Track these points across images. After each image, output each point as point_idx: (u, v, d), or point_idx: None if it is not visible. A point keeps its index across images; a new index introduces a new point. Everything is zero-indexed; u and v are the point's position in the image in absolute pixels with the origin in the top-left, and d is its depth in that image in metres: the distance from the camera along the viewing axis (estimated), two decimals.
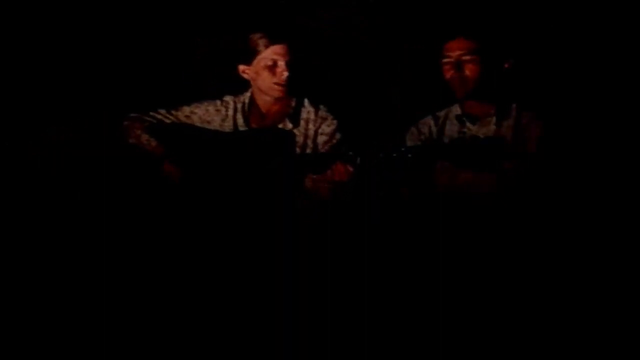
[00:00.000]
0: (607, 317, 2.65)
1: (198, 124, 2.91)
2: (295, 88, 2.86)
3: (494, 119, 2.72)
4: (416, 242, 2.72)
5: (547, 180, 2.64)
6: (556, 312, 2.64)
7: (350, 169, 2.61)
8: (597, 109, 2.99)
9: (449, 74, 2.71)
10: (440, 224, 2.69)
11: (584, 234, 2.67)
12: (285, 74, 2.81)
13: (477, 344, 2.63)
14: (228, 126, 2.91)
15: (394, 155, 2.58)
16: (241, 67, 2.89)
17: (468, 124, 2.75)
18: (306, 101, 2.91)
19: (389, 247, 2.75)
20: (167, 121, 2.91)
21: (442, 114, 2.83)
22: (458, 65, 2.69)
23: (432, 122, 2.83)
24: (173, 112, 2.93)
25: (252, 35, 2.84)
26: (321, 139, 2.87)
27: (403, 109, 3.22)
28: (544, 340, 2.62)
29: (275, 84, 2.83)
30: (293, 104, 2.89)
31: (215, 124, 2.91)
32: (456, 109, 2.79)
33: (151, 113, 2.92)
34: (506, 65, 2.72)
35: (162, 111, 2.92)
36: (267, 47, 2.82)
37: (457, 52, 2.69)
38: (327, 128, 2.87)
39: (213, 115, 2.92)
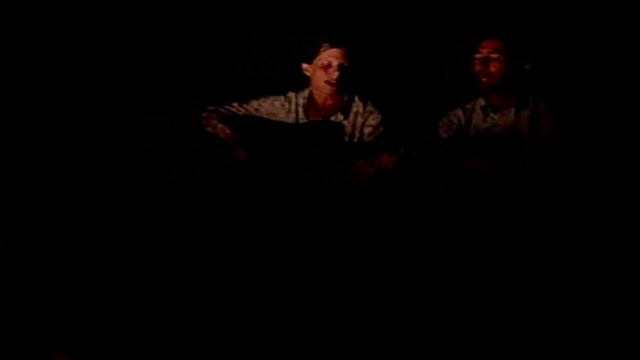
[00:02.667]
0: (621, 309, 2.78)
1: (265, 116, 3.45)
2: (345, 87, 3.35)
3: (513, 110, 3.18)
4: (427, 236, 2.98)
5: (558, 165, 3.01)
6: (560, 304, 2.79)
7: (395, 158, 3.08)
8: (605, 103, 3.31)
9: (477, 67, 3.19)
10: (444, 216, 2.97)
11: (593, 221, 2.91)
12: (336, 74, 3.31)
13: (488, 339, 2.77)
14: (291, 118, 3.42)
15: (430, 147, 3.05)
16: (304, 65, 3.41)
17: (491, 114, 3.22)
18: (356, 97, 3.40)
19: (399, 241, 2.98)
20: (239, 113, 3.45)
21: (469, 106, 3.30)
22: (486, 61, 3.16)
23: (460, 113, 3.30)
24: (244, 105, 3.47)
25: (318, 39, 3.35)
26: (367, 129, 3.35)
27: (407, 107, 3.57)
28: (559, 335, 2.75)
29: (326, 82, 3.33)
30: (345, 99, 3.39)
31: (280, 116, 3.43)
32: (481, 101, 3.26)
33: (226, 106, 3.46)
34: (527, 66, 3.18)
35: (235, 104, 3.46)
36: (326, 50, 3.33)
37: (487, 50, 3.17)
38: (372, 121, 3.36)
39: (278, 108, 3.44)
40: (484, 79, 3.16)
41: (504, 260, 2.88)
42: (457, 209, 2.99)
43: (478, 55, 3.17)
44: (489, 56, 3.15)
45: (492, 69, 3.15)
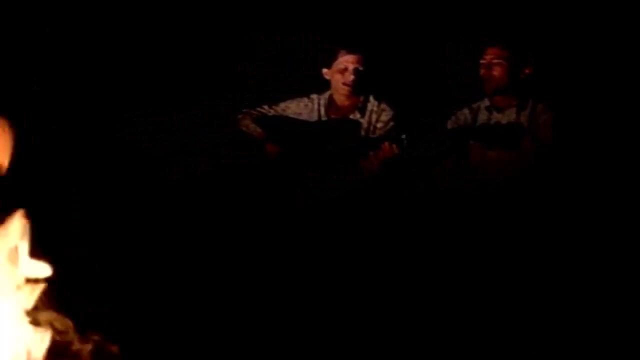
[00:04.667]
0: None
1: (292, 116, 3.83)
2: (361, 89, 3.73)
3: (514, 110, 3.55)
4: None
5: (556, 161, 3.37)
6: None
7: (397, 149, 3.48)
8: (599, 105, 3.61)
9: (482, 71, 3.57)
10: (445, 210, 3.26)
11: (591, 219, 3.15)
12: (352, 77, 3.70)
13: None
14: (314, 117, 3.81)
15: (436, 138, 3.52)
16: (324, 70, 3.79)
17: (495, 113, 3.59)
18: (371, 97, 3.79)
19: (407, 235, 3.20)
20: (269, 114, 3.83)
21: (475, 105, 3.67)
22: (489, 66, 3.54)
23: (467, 112, 3.67)
24: (273, 106, 3.86)
25: (337, 46, 3.73)
26: (379, 124, 3.75)
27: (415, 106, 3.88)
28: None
29: (343, 84, 3.73)
30: (362, 99, 3.79)
31: (304, 116, 3.82)
32: (486, 102, 3.63)
33: (257, 108, 3.84)
34: (527, 71, 3.55)
35: (265, 106, 3.85)
36: (343, 55, 3.71)
37: (490, 56, 3.54)
38: (384, 117, 3.76)
39: (302, 109, 3.84)
40: (487, 82, 3.53)
41: (502, 259, 3.13)
42: (456, 208, 3.30)
43: (483, 61, 3.54)
44: (491, 62, 3.52)
45: (495, 73, 3.52)
